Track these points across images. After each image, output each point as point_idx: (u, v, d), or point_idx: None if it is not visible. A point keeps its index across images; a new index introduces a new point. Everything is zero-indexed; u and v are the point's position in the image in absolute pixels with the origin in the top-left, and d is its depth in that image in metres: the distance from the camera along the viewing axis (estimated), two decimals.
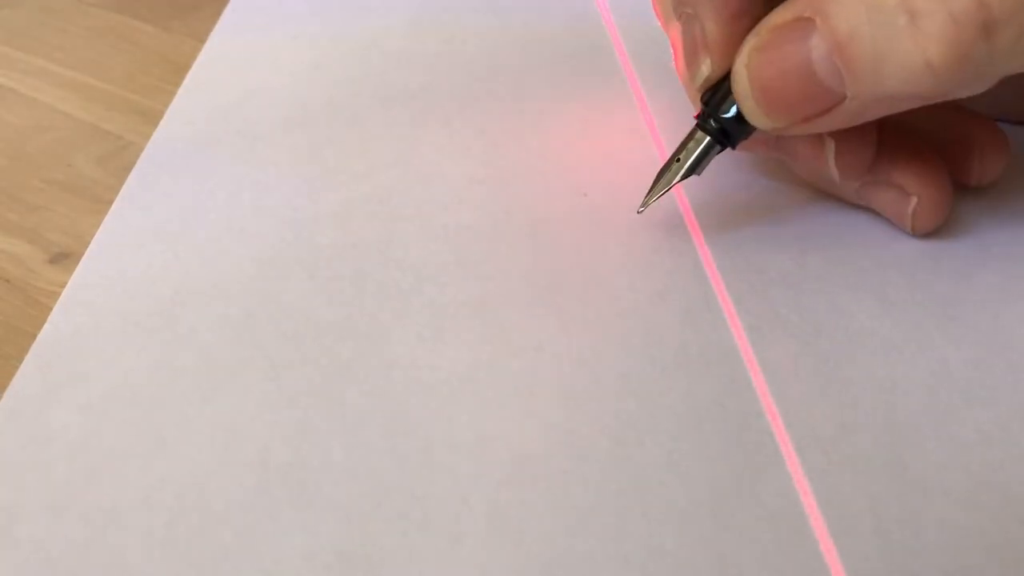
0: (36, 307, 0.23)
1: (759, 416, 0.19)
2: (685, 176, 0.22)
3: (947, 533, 0.17)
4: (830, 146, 0.22)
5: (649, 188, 0.23)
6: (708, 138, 0.22)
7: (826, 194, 0.24)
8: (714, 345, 0.20)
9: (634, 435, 0.18)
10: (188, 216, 0.24)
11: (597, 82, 0.30)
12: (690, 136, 0.22)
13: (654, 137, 0.27)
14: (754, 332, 0.21)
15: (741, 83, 0.20)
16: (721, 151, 0.22)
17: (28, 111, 0.32)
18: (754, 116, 0.20)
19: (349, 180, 0.26)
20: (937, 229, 0.23)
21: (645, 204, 0.23)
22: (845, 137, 0.21)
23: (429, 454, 0.18)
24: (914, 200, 0.22)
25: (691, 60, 0.21)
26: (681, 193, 0.25)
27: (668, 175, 0.22)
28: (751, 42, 0.20)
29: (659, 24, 0.24)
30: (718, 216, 0.24)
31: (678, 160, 0.22)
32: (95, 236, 0.24)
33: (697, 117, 0.22)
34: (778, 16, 0.19)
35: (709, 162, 0.22)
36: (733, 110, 0.21)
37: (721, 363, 0.20)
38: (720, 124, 0.21)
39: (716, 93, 0.21)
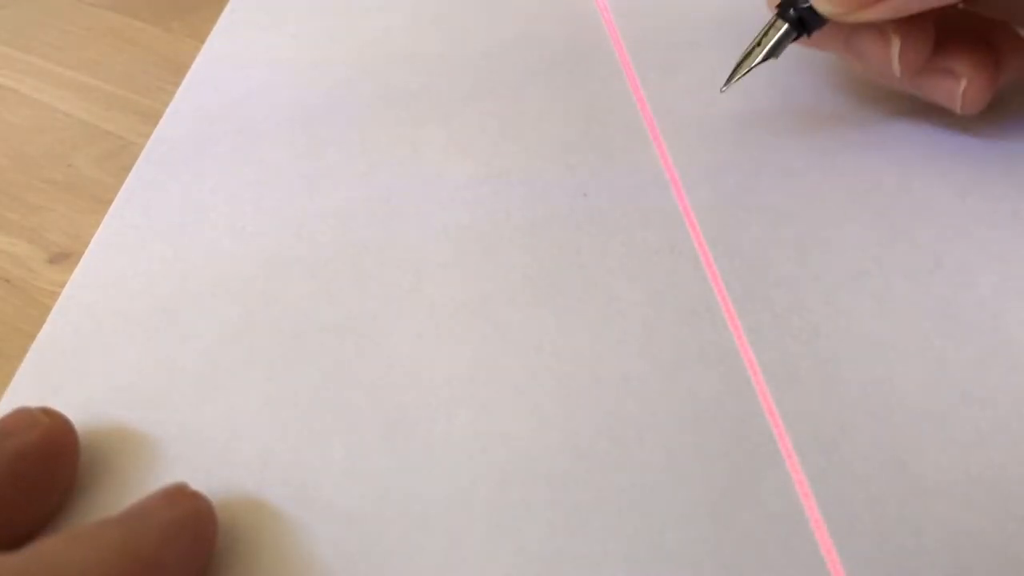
0: (36, 307, 0.23)
1: (759, 416, 0.19)
2: (765, 59, 0.24)
3: (947, 533, 0.17)
4: (895, 44, 0.23)
5: (732, 71, 0.25)
6: (786, 25, 0.24)
7: (837, 174, 0.25)
8: (714, 345, 0.20)
9: (634, 435, 0.18)
10: (188, 216, 0.24)
11: (597, 82, 0.30)
12: (770, 24, 0.24)
13: (654, 137, 0.27)
14: (754, 332, 0.21)
15: None
16: (797, 39, 0.24)
17: (28, 111, 0.32)
18: (820, 2, 0.23)
19: (349, 180, 0.26)
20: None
21: (728, 84, 0.25)
22: (907, 34, 0.23)
23: (429, 454, 0.18)
24: (964, 82, 0.24)
25: None
26: (682, 193, 0.25)
27: (749, 59, 0.25)
28: None
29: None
30: (718, 216, 0.24)
31: (759, 44, 0.24)
32: (95, 236, 0.24)
33: (778, 7, 0.24)
34: None
35: (785, 47, 0.24)
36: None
37: (721, 363, 0.20)
38: (799, 13, 0.24)
39: None
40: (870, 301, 0.21)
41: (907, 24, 0.23)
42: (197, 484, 0.17)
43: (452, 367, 0.20)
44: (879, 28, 0.24)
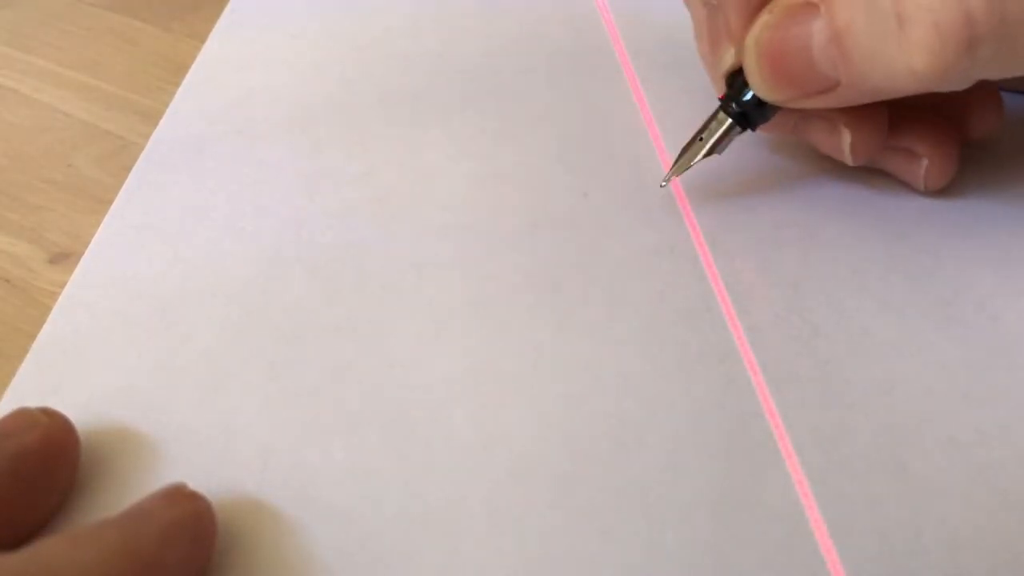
0: (36, 307, 0.23)
1: (759, 416, 0.19)
2: (707, 155, 0.23)
3: (947, 533, 0.17)
4: (845, 136, 0.23)
5: (672, 163, 0.24)
6: (730, 120, 0.23)
7: (835, 175, 0.25)
8: (714, 345, 0.20)
9: (634, 435, 0.18)
10: (188, 216, 0.24)
11: (597, 82, 0.30)
12: (713, 117, 0.23)
13: (654, 137, 0.27)
14: (754, 332, 0.21)
15: (750, 57, 0.21)
16: (741, 132, 0.23)
17: (28, 111, 0.32)
18: (760, 88, 0.21)
19: (349, 180, 0.26)
20: (947, 188, 0.24)
21: (667, 179, 0.24)
22: (857, 127, 0.22)
23: (429, 454, 0.18)
24: (924, 162, 0.23)
25: (715, 47, 0.23)
26: (681, 194, 0.25)
27: (690, 153, 0.24)
28: (763, 19, 0.21)
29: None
30: (718, 217, 0.24)
31: (701, 139, 0.23)
32: (95, 236, 0.24)
33: (721, 99, 0.23)
34: None
35: (730, 142, 0.23)
36: (752, 94, 0.22)
37: (721, 363, 0.20)
38: (741, 108, 0.23)
39: (738, 78, 0.22)
40: (870, 301, 0.21)
41: (858, 113, 0.22)
42: (197, 484, 0.17)
43: (452, 367, 0.20)
44: (828, 118, 0.23)
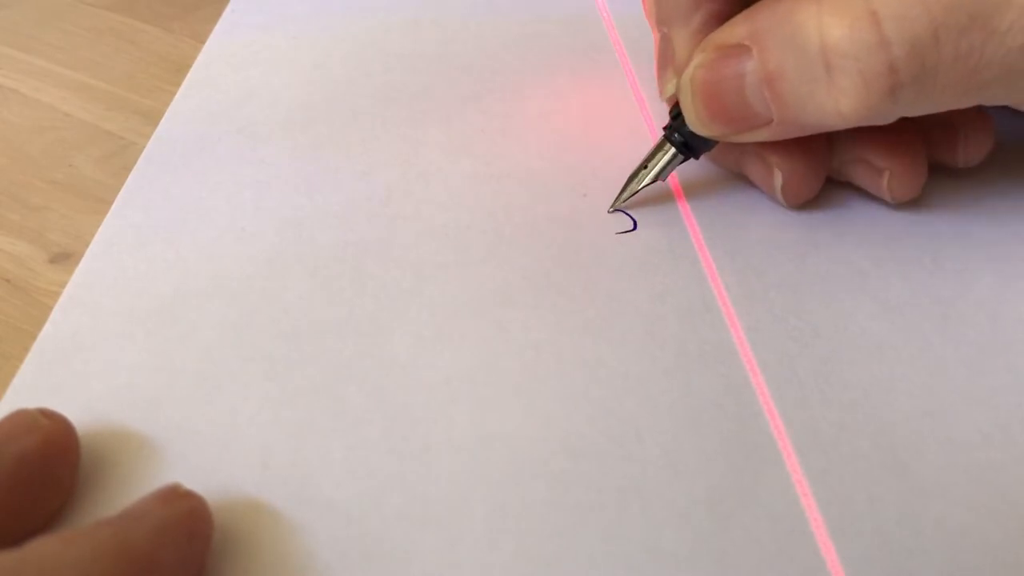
0: (36, 307, 0.23)
1: (759, 416, 0.19)
2: (651, 182, 0.24)
3: (947, 533, 0.17)
4: (778, 178, 0.23)
5: (619, 191, 0.24)
6: (673, 148, 0.23)
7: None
8: (714, 345, 0.20)
9: (634, 435, 0.18)
10: (188, 216, 0.24)
11: (597, 82, 0.30)
12: (659, 146, 0.24)
13: (654, 137, 0.27)
14: (753, 333, 0.21)
15: (685, 95, 0.22)
16: (684, 161, 0.24)
17: (29, 111, 0.32)
18: (695, 124, 0.22)
19: (349, 180, 0.26)
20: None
21: (614, 206, 0.24)
22: (792, 168, 0.23)
23: (429, 454, 0.18)
24: (887, 174, 0.23)
25: (661, 75, 0.24)
26: (681, 194, 0.25)
27: (636, 181, 0.24)
28: (697, 58, 0.21)
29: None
30: (718, 217, 0.24)
31: (646, 167, 0.24)
32: (95, 236, 0.24)
33: (665, 129, 0.24)
34: (723, 34, 0.21)
35: (673, 170, 0.24)
36: None
37: (721, 363, 0.20)
38: (684, 137, 0.23)
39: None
40: (869, 301, 0.21)
41: (793, 153, 0.23)
42: (197, 484, 0.17)
43: (452, 367, 0.20)
44: (762, 156, 0.23)
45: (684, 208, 0.24)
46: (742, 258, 0.23)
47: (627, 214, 0.24)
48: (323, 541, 0.17)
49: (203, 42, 0.33)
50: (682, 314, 0.21)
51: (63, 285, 0.22)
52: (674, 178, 0.25)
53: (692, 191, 0.25)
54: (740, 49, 0.20)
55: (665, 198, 0.24)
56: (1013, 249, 0.23)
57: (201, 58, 0.32)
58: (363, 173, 0.26)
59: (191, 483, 0.17)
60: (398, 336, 0.21)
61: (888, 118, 0.20)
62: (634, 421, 0.19)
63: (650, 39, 0.31)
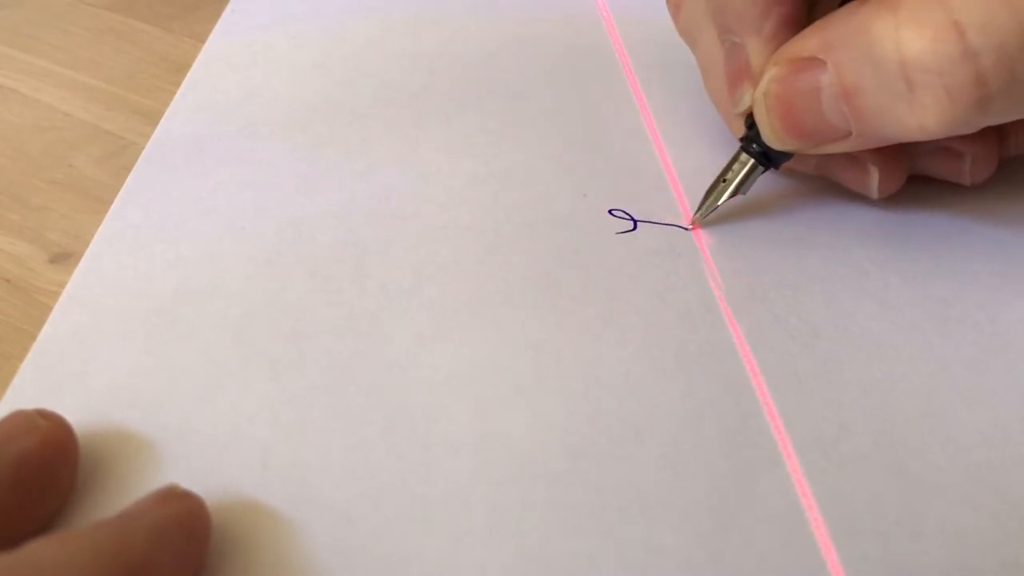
0: (36, 307, 0.23)
1: (759, 416, 0.19)
2: (732, 196, 0.23)
3: (947, 533, 0.17)
4: (873, 174, 0.23)
5: (698, 205, 0.23)
6: (752, 160, 0.23)
7: (824, 184, 0.25)
8: (714, 345, 0.20)
9: (633, 435, 0.18)
10: (188, 216, 0.24)
11: (597, 82, 0.30)
12: (735, 158, 0.23)
13: (654, 137, 0.27)
14: (753, 333, 0.21)
15: (760, 109, 0.21)
16: (764, 172, 0.23)
17: (29, 111, 0.32)
18: (771, 139, 0.22)
19: (349, 180, 0.26)
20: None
21: (694, 222, 0.24)
22: (885, 164, 0.23)
23: (429, 454, 0.18)
24: (968, 159, 0.23)
25: (734, 87, 0.23)
26: (681, 193, 0.25)
27: (715, 195, 0.23)
28: (770, 71, 0.21)
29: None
30: (718, 217, 0.24)
31: (724, 180, 0.23)
32: (95, 236, 0.24)
33: (742, 140, 0.23)
34: (795, 47, 0.20)
35: (754, 182, 0.23)
36: None
37: (721, 363, 0.20)
38: (762, 147, 0.22)
39: None
40: (869, 301, 0.21)
41: (885, 149, 0.22)
42: (196, 484, 0.17)
43: (452, 367, 0.20)
44: (854, 156, 0.23)
45: (684, 209, 0.24)
46: (742, 258, 0.23)
47: (627, 214, 0.24)
48: (323, 541, 0.17)
49: (203, 42, 0.33)
50: (682, 314, 0.21)
51: (63, 285, 0.22)
52: (675, 178, 0.25)
53: (692, 191, 0.25)
54: (814, 62, 0.20)
55: (665, 198, 0.24)
56: (1013, 249, 0.23)
57: (201, 58, 0.32)
58: (363, 173, 0.26)
59: (190, 483, 0.17)
60: (398, 336, 0.21)
61: (975, 128, 0.19)
62: (634, 421, 0.19)
63: (650, 39, 0.31)
